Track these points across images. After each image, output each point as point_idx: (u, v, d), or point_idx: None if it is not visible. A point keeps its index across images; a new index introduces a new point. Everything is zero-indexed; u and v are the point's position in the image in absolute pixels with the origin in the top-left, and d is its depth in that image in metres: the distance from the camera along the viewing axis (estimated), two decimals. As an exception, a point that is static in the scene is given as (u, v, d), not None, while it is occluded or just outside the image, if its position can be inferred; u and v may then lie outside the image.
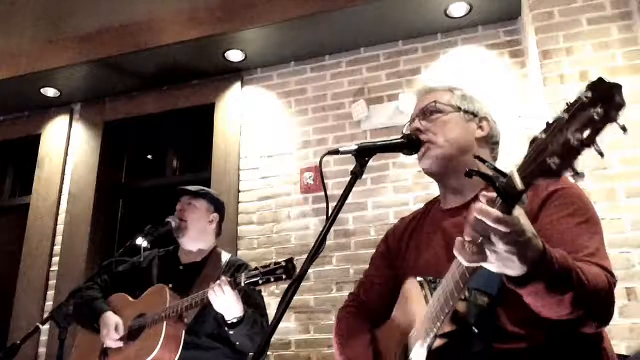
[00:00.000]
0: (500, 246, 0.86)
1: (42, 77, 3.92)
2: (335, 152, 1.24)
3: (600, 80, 0.74)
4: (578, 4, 2.86)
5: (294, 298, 1.06)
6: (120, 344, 2.14)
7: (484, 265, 0.90)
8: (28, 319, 3.65)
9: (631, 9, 2.78)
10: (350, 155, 1.23)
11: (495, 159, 1.40)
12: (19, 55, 3.97)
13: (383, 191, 3.32)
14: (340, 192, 1.15)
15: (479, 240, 0.87)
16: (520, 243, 0.87)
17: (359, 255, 3.23)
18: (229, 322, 1.99)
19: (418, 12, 3.33)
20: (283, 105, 3.75)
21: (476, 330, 1.05)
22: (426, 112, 1.36)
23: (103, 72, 3.88)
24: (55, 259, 3.85)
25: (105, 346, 2.17)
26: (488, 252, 0.87)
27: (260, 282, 1.89)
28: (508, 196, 0.84)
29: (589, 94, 0.74)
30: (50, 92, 4.09)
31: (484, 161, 0.94)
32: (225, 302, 1.94)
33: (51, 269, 3.84)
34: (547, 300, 0.96)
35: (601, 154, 0.75)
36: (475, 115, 1.36)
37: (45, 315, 2.25)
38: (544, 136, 0.79)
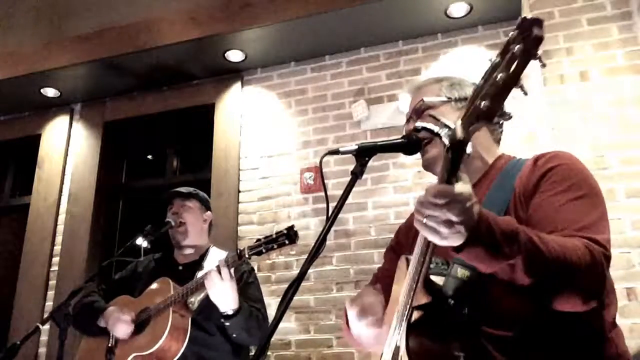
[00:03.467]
0: (451, 217, 0.87)
1: (42, 77, 3.92)
2: (335, 152, 1.24)
3: (524, 18, 0.76)
4: (578, 4, 2.86)
5: (294, 298, 1.05)
6: (131, 328, 2.11)
7: (431, 239, 0.91)
8: (28, 319, 3.65)
9: (631, 9, 2.78)
10: (350, 155, 1.23)
11: (497, 140, 1.37)
12: (19, 55, 3.97)
13: (383, 191, 3.32)
14: (340, 192, 1.15)
15: (424, 220, 0.89)
16: (465, 210, 0.87)
17: (359, 255, 3.23)
18: (224, 314, 1.99)
19: (418, 12, 3.33)
20: (283, 105, 3.75)
21: (452, 302, 1.03)
22: (418, 111, 1.36)
23: (103, 72, 3.88)
24: (55, 259, 3.85)
25: (114, 336, 2.13)
26: (437, 226, 0.88)
27: (264, 250, 1.89)
28: (453, 146, 0.86)
29: (514, 33, 0.76)
30: (50, 92, 4.09)
31: (437, 119, 0.96)
32: (222, 289, 1.94)
33: (51, 269, 3.84)
34: (495, 265, 0.94)
35: (524, 92, 0.77)
36: (467, 99, 1.35)
37: (45, 315, 2.25)
38: (481, 81, 0.81)
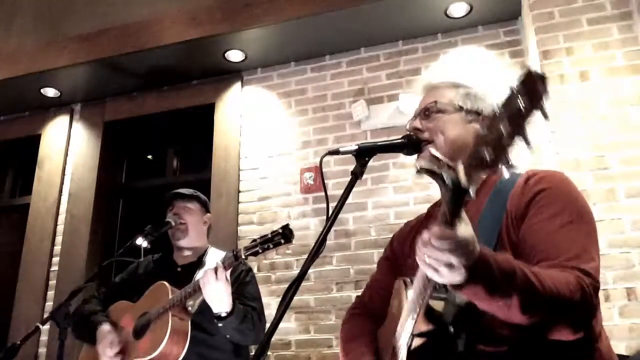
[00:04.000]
0: (453, 261, 0.89)
1: (42, 77, 3.92)
2: (335, 152, 1.24)
3: (528, 71, 0.77)
4: (578, 4, 2.86)
5: (294, 298, 1.05)
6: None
7: (431, 277, 0.94)
8: (28, 319, 3.65)
9: (631, 9, 2.78)
10: (350, 155, 1.23)
11: None
12: (19, 55, 3.97)
13: (383, 191, 3.32)
14: (340, 192, 1.15)
15: (426, 259, 0.91)
16: (467, 253, 0.90)
17: (359, 255, 3.23)
18: (217, 314, 1.99)
19: (418, 12, 3.33)
20: (283, 105, 3.75)
21: (452, 329, 1.04)
22: (427, 112, 1.35)
23: (103, 72, 3.88)
24: (55, 259, 3.85)
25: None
26: (438, 266, 0.90)
27: (260, 250, 1.89)
28: (454, 192, 0.87)
29: (517, 86, 0.77)
30: (50, 92, 4.09)
31: (437, 158, 0.98)
32: (216, 289, 1.93)
33: (51, 269, 3.84)
34: (493, 304, 0.96)
35: (528, 144, 0.78)
36: (478, 114, 1.32)
37: (45, 315, 2.25)
38: (485, 131, 0.82)
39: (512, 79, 0.80)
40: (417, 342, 1.05)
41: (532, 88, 0.75)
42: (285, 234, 1.87)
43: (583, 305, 0.99)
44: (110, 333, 2.15)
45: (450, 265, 0.90)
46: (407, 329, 1.06)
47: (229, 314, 1.99)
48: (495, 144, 0.79)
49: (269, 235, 1.90)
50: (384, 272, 1.47)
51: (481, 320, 1.06)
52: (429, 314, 1.05)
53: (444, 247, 0.88)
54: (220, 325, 2.01)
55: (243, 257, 1.92)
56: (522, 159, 1.29)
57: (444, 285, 1.09)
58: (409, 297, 1.09)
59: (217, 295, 1.95)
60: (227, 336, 2.09)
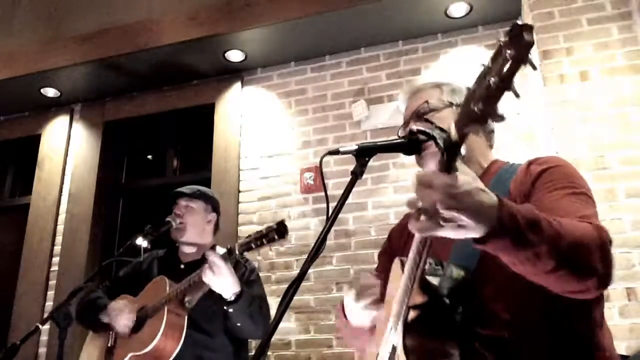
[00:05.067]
0: (451, 204, 0.85)
1: (42, 77, 3.92)
2: (335, 152, 1.24)
3: (515, 24, 0.77)
4: (578, 4, 2.86)
5: (294, 298, 1.05)
6: (132, 319, 2.13)
7: (441, 233, 0.89)
8: (28, 319, 3.65)
9: (631, 9, 2.78)
10: (350, 155, 1.23)
11: (491, 146, 1.40)
12: (19, 55, 3.97)
13: (383, 191, 3.32)
14: (340, 192, 1.15)
15: (428, 211, 0.86)
16: (468, 195, 0.86)
17: (359, 255, 3.23)
18: (228, 300, 1.99)
19: (418, 12, 3.33)
20: (283, 105, 3.75)
21: (447, 301, 1.04)
22: (419, 114, 1.37)
23: (103, 72, 3.88)
24: (55, 259, 3.85)
25: (114, 335, 2.16)
26: (460, 216, 0.86)
27: (254, 245, 1.88)
28: (447, 149, 0.86)
29: (504, 38, 0.78)
30: (50, 92, 4.09)
31: (431, 122, 0.95)
32: (221, 277, 1.93)
33: (51, 269, 3.84)
34: (521, 255, 0.93)
35: (517, 95, 0.78)
36: None
37: (45, 315, 2.25)
38: (473, 85, 0.82)
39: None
40: (413, 314, 1.05)
41: (519, 40, 0.76)
42: (279, 230, 1.85)
43: (604, 251, 0.97)
44: (121, 302, 2.20)
45: (474, 212, 0.85)
46: (403, 301, 1.06)
47: (238, 297, 1.98)
48: (484, 97, 0.79)
49: (264, 231, 1.88)
50: (382, 264, 1.47)
51: (476, 295, 1.06)
52: (425, 286, 1.05)
53: (454, 191, 0.85)
54: (231, 311, 2.01)
55: (237, 252, 1.92)
56: (522, 154, 1.30)
57: (440, 262, 1.10)
58: (404, 273, 1.08)
59: (223, 283, 1.95)
60: (238, 324, 2.07)
